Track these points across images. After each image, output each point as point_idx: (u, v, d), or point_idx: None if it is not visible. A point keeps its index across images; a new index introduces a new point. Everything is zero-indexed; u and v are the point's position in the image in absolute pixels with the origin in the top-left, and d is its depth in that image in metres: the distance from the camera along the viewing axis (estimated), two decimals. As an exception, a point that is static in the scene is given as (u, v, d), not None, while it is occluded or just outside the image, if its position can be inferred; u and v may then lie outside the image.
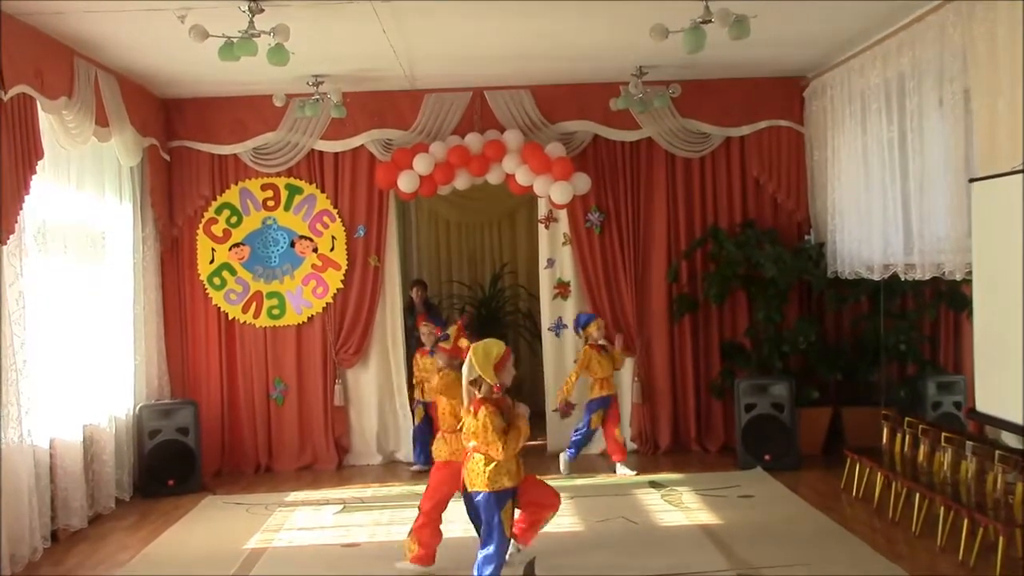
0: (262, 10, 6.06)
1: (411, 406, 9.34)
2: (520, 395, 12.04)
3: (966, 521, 5.80)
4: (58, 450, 7.12)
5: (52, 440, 7.04)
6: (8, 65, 6.12)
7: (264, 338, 9.38)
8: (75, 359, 7.48)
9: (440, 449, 6.10)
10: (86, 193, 7.81)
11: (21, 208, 6.34)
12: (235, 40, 6.09)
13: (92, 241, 7.93)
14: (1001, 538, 5.48)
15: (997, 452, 5.88)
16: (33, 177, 6.47)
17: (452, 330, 6.53)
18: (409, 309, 10.87)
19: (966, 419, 7.48)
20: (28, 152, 6.41)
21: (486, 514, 5.34)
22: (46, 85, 6.61)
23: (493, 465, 5.23)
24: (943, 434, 6.56)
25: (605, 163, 9.41)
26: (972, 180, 6.18)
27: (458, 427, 5.73)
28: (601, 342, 8.66)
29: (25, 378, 6.51)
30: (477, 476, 5.28)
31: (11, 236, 6.24)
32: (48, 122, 6.79)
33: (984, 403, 6.14)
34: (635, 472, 8.54)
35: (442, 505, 6.08)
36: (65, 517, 7.12)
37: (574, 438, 8.77)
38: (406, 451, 9.47)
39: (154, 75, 8.30)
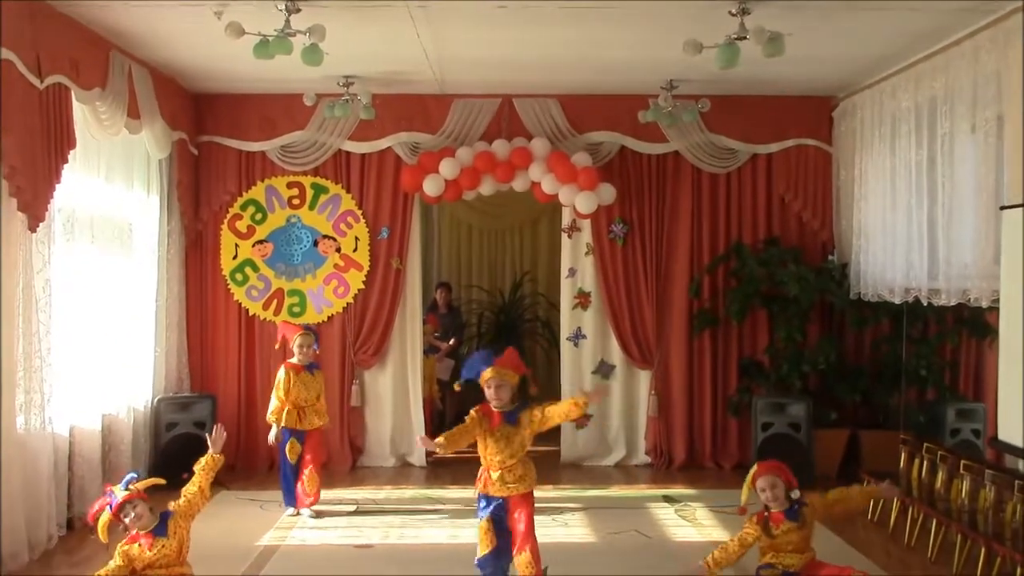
0: (299, 9, 6.11)
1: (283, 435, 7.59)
2: (536, 403, 12.12)
3: (983, 550, 5.75)
4: (77, 438, 7.17)
5: (72, 428, 7.10)
6: (45, 55, 6.19)
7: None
8: (97, 349, 7.53)
9: None
10: (115, 185, 7.87)
11: (52, 196, 6.41)
12: (271, 38, 6.14)
13: (119, 232, 7.99)
14: (1019, 569, 5.44)
15: (1017, 482, 5.81)
16: (64, 166, 6.53)
17: None
18: (432, 310, 10.94)
19: (985, 447, 7.43)
20: (61, 141, 6.46)
21: None
22: (81, 76, 6.68)
23: None
24: (962, 461, 6.50)
25: (631, 175, 9.39)
26: (1003, 208, 6.15)
27: None
28: None
29: (48, 366, 6.55)
30: None
31: (40, 224, 6.29)
32: (81, 112, 6.85)
33: (1007, 432, 6.10)
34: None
35: None
36: (81, 505, 7.13)
37: None
38: (419, 454, 9.48)
39: (187, 69, 8.36)
